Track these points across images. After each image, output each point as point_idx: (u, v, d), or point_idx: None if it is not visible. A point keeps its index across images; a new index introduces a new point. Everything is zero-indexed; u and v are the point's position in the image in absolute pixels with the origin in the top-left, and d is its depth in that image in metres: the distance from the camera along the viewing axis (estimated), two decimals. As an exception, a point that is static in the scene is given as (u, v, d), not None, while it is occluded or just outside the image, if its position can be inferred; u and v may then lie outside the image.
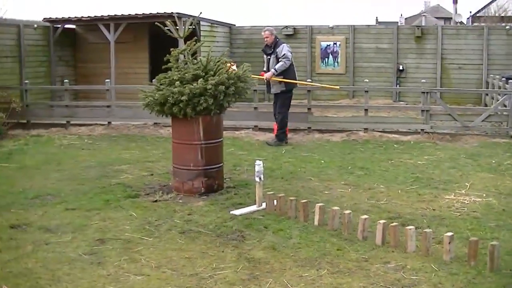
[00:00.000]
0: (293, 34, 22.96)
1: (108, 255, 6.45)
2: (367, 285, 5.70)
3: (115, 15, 20.00)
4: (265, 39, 13.77)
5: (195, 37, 11.15)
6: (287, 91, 13.71)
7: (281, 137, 13.58)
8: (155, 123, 15.54)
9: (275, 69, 13.41)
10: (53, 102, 18.94)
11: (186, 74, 8.76)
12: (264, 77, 13.60)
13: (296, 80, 14.04)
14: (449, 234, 6.39)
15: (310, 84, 15.71)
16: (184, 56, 9.28)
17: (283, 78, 13.55)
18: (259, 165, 8.18)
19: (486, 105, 19.01)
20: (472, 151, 12.76)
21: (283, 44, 13.73)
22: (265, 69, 13.86)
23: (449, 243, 6.33)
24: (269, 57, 13.72)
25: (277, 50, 13.53)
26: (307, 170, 10.78)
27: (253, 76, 12.54)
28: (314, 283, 5.76)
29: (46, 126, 15.87)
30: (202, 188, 8.82)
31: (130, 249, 6.62)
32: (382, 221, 6.86)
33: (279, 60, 13.46)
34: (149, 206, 8.29)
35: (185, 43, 9.50)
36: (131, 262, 6.24)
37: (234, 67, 10.10)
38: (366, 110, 15.21)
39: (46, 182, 9.84)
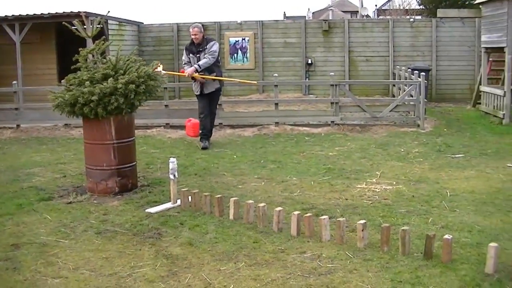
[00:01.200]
0: (201, 31, 22.96)
1: (23, 259, 6.33)
2: (285, 275, 5.80)
3: (19, 15, 19.57)
4: (193, 36, 12.93)
5: (104, 36, 11.08)
6: (220, 89, 13.34)
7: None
8: (65, 124, 15.35)
9: (198, 65, 12.72)
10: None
11: (96, 74, 8.70)
12: (186, 74, 12.90)
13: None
14: (362, 221, 6.56)
15: (230, 80, 15.46)
16: (93, 55, 9.20)
17: (216, 76, 13.01)
18: (173, 163, 8.19)
19: (393, 96, 19.47)
20: (381, 141, 13.08)
21: (215, 42, 13.19)
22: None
23: (362, 230, 6.49)
24: (198, 55, 12.91)
25: (208, 47, 12.84)
26: (220, 165, 10.85)
27: (172, 73, 12.38)
28: (232, 276, 5.82)
29: (-49, 131, 15.46)
30: (116, 188, 8.77)
31: (46, 252, 6.52)
32: (296, 212, 6.97)
33: (205, 56, 12.78)
34: (63, 208, 8.17)
35: (93, 42, 9.42)
36: (48, 265, 6.15)
37: (160, 68, 10.16)
38: (276, 104, 15.37)
39: (-46, 189, 9.59)
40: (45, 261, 6.25)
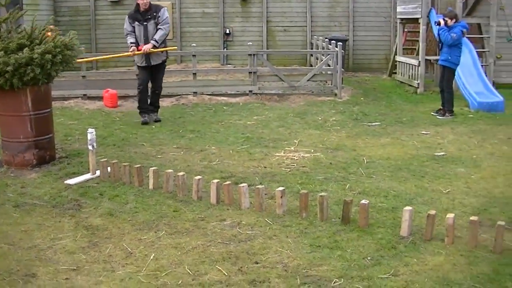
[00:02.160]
0: (118, 0, 22.63)
1: None
2: (205, 243, 5.87)
3: None
4: (141, 2, 11.68)
5: (18, 5, 10.83)
6: (166, 60, 12.36)
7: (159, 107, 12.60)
8: (-21, 97, 14.96)
9: (155, 40, 11.68)
10: None
11: (10, 44, 8.49)
12: (143, 51, 11.71)
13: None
14: (281, 188, 6.67)
15: (158, 51, 14.41)
16: (7, 25, 8.99)
17: (164, 47, 12.15)
18: (91, 133, 8.12)
19: (311, 66, 19.60)
20: (299, 109, 13.23)
21: (165, 8, 12.11)
22: (138, 41, 11.86)
23: (281, 197, 6.60)
24: (145, 23, 11.74)
25: (159, 14, 11.76)
26: (138, 136, 10.81)
27: (129, 53, 11.88)
28: (153, 244, 5.86)
29: None
30: (34, 160, 8.63)
31: (-37, 226, 6.44)
32: (215, 181, 7.04)
33: (158, 27, 11.78)
34: (-21, 182, 8.05)
35: (7, 11, 9.21)
36: (-35, 239, 6.09)
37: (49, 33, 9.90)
38: (194, 74, 15.32)
39: None
40: (-37, 236, 6.17)
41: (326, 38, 18.59)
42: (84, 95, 15.04)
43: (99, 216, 6.67)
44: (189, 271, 5.27)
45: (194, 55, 15.52)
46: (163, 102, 14.29)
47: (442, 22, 12.59)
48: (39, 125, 8.66)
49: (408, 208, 6.04)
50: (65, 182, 7.92)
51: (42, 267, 5.41)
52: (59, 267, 5.41)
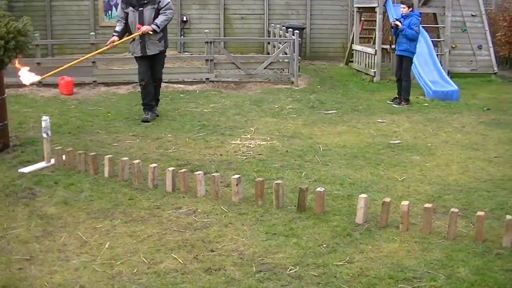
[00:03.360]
0: (73, -14, 22.38)
1: None
2: (161, 231, 5.85)
3: None
4: None
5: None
6: (165, 50, 11.31)
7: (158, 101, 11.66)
8: None
9: (156, 24, 10.65)
10: None
11: (-38, 30, 8.37)
12: (141, 31, 10.66)
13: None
14: (236, 176, 6.66)
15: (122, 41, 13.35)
16: (-42, 10, 8.84)
17: (162, 37, 11.03)
18: (45, 121, 8.02)
19: (268, 54, 19.60)
20: (256, 97, 13.24)
21: None
22: (131, 28, 10.94)
23: (237, 185, 6.60)
24: (140, 9, 10.70)
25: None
26: (94, 123, 10.72)
27: (106, 47, 11.07)
28: (108, 233, 5.82)
29: None
30: (-14, 148, 8.54)
31: None
32: (171, 169, 7.01)
33: (161, 12, 10.78)
34: None
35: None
36: None
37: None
38: (151, 61, 15.21)
39: None
40: None
41: (283, 26, 18.60)
42: (39, 82, 14.84)
43: (54, 205, 6.60)
44: (144, 259, 5.24)
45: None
46: (120, 90, 14.31)
47: (400, 25, 12.68)
48: (-8, 112, 8.54)
49: (363, 195, 6.08)
50: (19, 170, 7.81)
51: (-5, 257, 5.35)
52: (12, 257, 5.33)
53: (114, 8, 22.33)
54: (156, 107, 11.45)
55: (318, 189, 6.25)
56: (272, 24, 20.89)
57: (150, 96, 11.14)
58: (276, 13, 22.06)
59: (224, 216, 6.21)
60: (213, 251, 5.40)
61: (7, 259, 5.28)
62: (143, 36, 10.73)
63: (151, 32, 10.66)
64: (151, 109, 11.14)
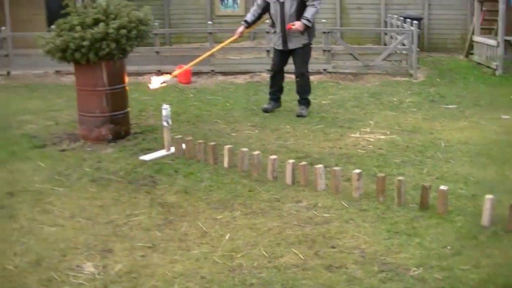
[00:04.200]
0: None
1: (19, 207, 6.31)
2: (281, 224, 5.80)
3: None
4: None
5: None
6: (310, 43, 10.52)
7: (308, 102, 10.76)
8: (56, 71, 15.20)
9: (307, 19, 10.04)
10: None
11: (87, 19, 8.54)
12: (294, 28, 10.10)
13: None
14: (357, 171, 6.54)
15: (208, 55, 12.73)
16: (83, 0, 9.04)
17: (306, 29, 10.22)
18: (166, 109, 8.12)
19: (385, 45, 19.30)
20: (374, 90, 13.03)
21: None
22: (274, 17, 10.35)
23: (358, 180, 6.48)
24: (281, 0, 10.12)
25: None
26: (212, 113, 10.79)
27: (234, 37, 10.63)
28: (228, 224, 5.81)
29: None
30: (110, 135, 8.70)
31: (42, 200, 6.50)
32: (291, 161, 6.95)
33: (308, 3, 10.14)
34: (57, 156, 8.13)
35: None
36: (43, 213, 6.14)
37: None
38: (267, 51, 15.23)
39: None
40: (41, 209, 6.23)
41: (400, 17, 18.26)
42: (158, 70, 15.10)
43: (174, 193, 6.66)
44: (264, 253, 5.21)
45: (267, 32, 15.36)
46: (237, 79, 14.35)
47: None
48: (114, 100, 8.73)
49: (489, 196, 5.83)
50: (140, 158, 7.95)
51: (119, 243, 5.43)
52: (135, 243, 5.41)
53: (230, -3, 22.46)
54: (303, 106, 10.57)
55: (442, 187, 6.06)
56: (389, 15, 20.53)
57: (276, 86, 10.76)
58: (393, 3, 21.64)
59: (345, 212, 6.11)
60: (334, 248, 5.31)
61: (131, 246, 5.36)
62: (284, 28, 10.21)
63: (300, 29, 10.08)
64: (275, 99, 10.80)
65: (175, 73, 10.09)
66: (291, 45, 10.34)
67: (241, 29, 10.60)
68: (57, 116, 10.70)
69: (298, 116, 10.33)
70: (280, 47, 10.45)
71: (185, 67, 10.62)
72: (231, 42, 11.11)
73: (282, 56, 10.60)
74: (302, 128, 9.52)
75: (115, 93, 8.74)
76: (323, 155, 8.06)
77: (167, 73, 12.70)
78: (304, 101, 10.64)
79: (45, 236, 5.59)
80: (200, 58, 10.69)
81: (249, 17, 10.64)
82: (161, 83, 9.26)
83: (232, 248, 5.31)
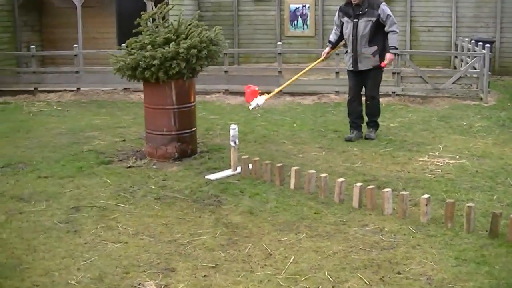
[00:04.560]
0: (261, -3, 22.72)
1: (84, 223, 6.38)
2: (346, 248, 5.70)
3: (80, -22, 19.55)
4: None
5: (165, 0, 10.98)
6: (382, 66, 10.24)
7: (377, 125, 10.58)
8: (125, 88, 15.37)
9: (394, 47, 10.15)
10: (20, 68, 18.43)
11: (158, 38, 8.61)
12: (388, 61, 10.26)
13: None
14: (426, 196, 6.41)
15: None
16: (155, 19, 9.12)
17: (377, 50, 10.12)
18: (234, 129, 8.11)
19: (455, 68, 18.99)
20: (443, 113, 12.80)
21: (383, 3, 10.23)
22: (346, 39, 10.26)
23: (426, 205, 6.34)
24: (355, 20, 10.01)
25: (379, 11, 9.99)
26: (280, 133, 10.74)
27: (321, 59, 10.65)
28: (293, 247, 5.74)
29: (13, 93, 15.58)
30: (176, 153, 8.73)
31: (106, 216, 6.55)
32: (358, 184, 6.85)
33: (388, 26, 10.05)
34: (123, 172, 8.19)
35: (155, 6, 9.33)
36: (107, 229, 6.18)
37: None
38: (337, 72, 15.15)
39: (16, 150, 9.65)
40: (105, 225, 6.27)
41: (471, 40, 17.96)
42: (226, 90, 15.19)
43: (239, 213, 6.62)
44: (329, 277, 5.11)
45: (337, 54, 15.29)
46: (305, 100, 14.30)
47: None
48: (182, 118, 8.76)
49: None
50: (206, 177, 7.94)
51: (182, 262, 5.41)
52: (198, 263, 5.38)
53: (300, 18, 22.46)
54: (372, 129, 10.39)
55: (514, 215, 5.88)
56: (460, 37, 20.21)
57: (356, 114, 10.36)
58: (464, 25, 21.31)
59: (412, 237, 5.97)
60: (400, 274, 5.18)
61: (193, 265, 5.33)
62: (355, 49, 10.08)
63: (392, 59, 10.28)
64: (357, 127, 10.34)
65: (270, 95, 9.92)
66: (361, 66, 10.12)
67: (327, 50, 10.62)
68: (124, 132, 10.82)
69: (366, 138, 10.16)
70: (351, 68, 10.24)
71: (276, 91, 10.48)
72: (319, 63, 11.08)
73: (355, 78, 10.32)
74: (370, 151, 9.39)
75: (183, 111, 8.78)
76: (390, 179, 7.92)
77: (235, 92, 12.71)
78: (373, 124, 10.45)
79: (108, 253, 5.61)
80: (292, 80, 10.85)
81: (332, 37, 10.58)
82: (258, 106, 9.39)
83: (296, 271, 5.23)
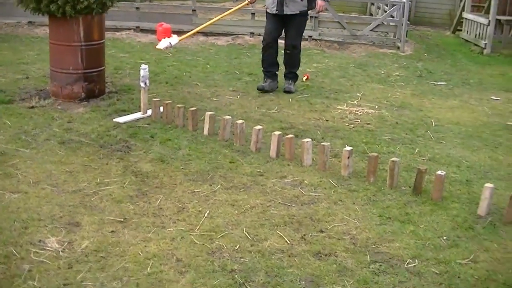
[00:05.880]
0: None
1: (-21, 169, 5.80)
2: (265, 202, 5.36)
3: None
4: None
5: None
6: (307, 12, 9.48)
7: (297, 76, 9.72)
8: (29, 22, 14.49)
9: None
10: None
11: (65, -31, 7.98)
12: (319, 9, 9.49)
13: None
14: (348, 148, 6.13)
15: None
16: None
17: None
18: (144, 70, 7.59)
19: (371, 15, 18.82)
20: (360, 60, 12.57)
21: None
22: None
23: (348, 157, 6.05)
24: None
25: None
26: (192, 74, 10.28)
27: (245, 2, 9.53)
28: (208, 199, 5.36)
29: None
30: (82, 93, 8.15)
31: (5, 162, 5.96)
32: (277, 133, 6.49)
33: None
34: (24, 113, 7.54)
35: None
36: (6, 177, 5.60)
37: None
38: (253, 14, 14.71)
39: None
40: (3, 173, 5.69)
41: (389, -13, 17.73)
42: (137, 27, 14.57)
43: (149, 161, 6.18)
44: (247, 234, 4.76)
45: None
46: (218, 41, 13.88)
47: None
48: (90, 56, 8.17)
49: (489, 185, 5.40)
50: (114, 119, 7.44)
51: (87, 215, 4.94)
52: (105, 217, 4.94)
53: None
54: (291, 81, 9.56)
55: (439, 172, 5.62)
56: (377, -16, 20.00)
57: (270, 60, 9.46)
58: (382, -27, 21.10)
59: (333, 192, 5.67)
60: (322, 232, 4.87)
61: (100, 219, 4.89)
62: None
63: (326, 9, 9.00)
64: (271, 76, 9.51)
65: (186, 35, 9.08)
66: (287, 10, 9.11)
67: None
68: (27, 69, 10.05)
69: (286, 92, 9.34)
70: (274, 11, 9.18)
71: (191, 32, 9.49)
72: (244, 6, 9.96)
73: (276, 23, 9.33)
74: (287, 96, 9.06)
75: (91, 49, 8.18)
76: (308, 127, 7.62)
77: (146, 30, 12.18)
78: (293, 75, 9.58)
79: (5, 204, 5.07)
80: (212, 21, 9.64)
81: None
82: (168, 46, 8.46)
83: (211, 227, 4.85)
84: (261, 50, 9.61)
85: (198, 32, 13.59)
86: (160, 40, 10.25)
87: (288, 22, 9.25)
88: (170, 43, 8.34)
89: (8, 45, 12.42)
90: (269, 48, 9.41)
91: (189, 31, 11.46)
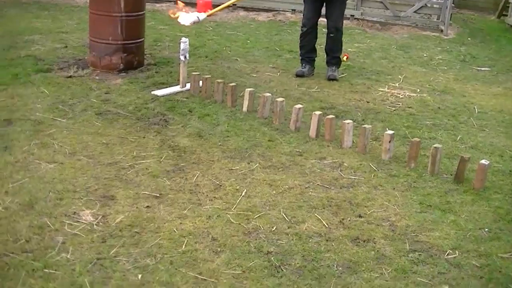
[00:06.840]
0: None
1: (15, 138, 5.72)
2: (303, 183, 5.25)
3: None
4: None
5: None
6: None
7: (340, 62, 9.08)
8: (70, -10, 14.45)
9: None
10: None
11: None
12: None
13: None
14: (390, 132, 5.99)
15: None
16: None
17: None
18: (184, 43, 7.49)
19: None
20: (402, 42, 12.31)
21: None
22: None
23: (390, 141, 5.91)
24: None
25: None
26: (232, 49, 10.15)
27: None
28: (245, 178, 5.26)
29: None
30: (121, 64, 8.07)
31: (41, 131, 5.91)
32: (317, 113, 6.36)
33: None
34: (62, 83, 7.48)
35: None
36: (42, 147, 5.56)
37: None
38: (294, -10, 14.51)
39: None
40: (40, 142, 5.65)
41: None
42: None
43: (187, 136, 6.09)
44: (284, 215, 4.66)
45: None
46: (259, 16, 13.64)
47: None
48: (129, 27, 8.09)
49: (535, 177, 5.27)
50: (152, 92, 7.36)
51: (122, 189, 4.88)
52: (140, 191, 4.87)
53: None
54: (334, 66, 8.93)
55: (482, 161, 5.46)
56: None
57: (309, 47, 8.94)
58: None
59: (373, 176, 5.54)
60: (361, 217, 4.76)
61: (135, 193, 4.83)
62: None
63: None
64: (310, 62, 8.97)
65: (214, 11, 8.64)
66: None
67: None
68: (66, 38, 9.97)
69: (330, 79, 8.71)
70: None
71: (221, 6, 9.00)
72: None
73: (316, 6, 8.77)
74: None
75: (131, 20, 8.10)
76: (349, 108, 7.47)
77: (186, 1, 11.92)
78: (336, 61, 8.94)
79: (41, 174, 5.03)
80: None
81: None
82: (194, 22, 8.04)
83: (248, 207, 4.76)
84: (299, 36, 9.15)
85: (238, 7, 13.54)
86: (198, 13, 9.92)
87: (329, 2, 8.74)
88: (198, 17, 8.06)
89: (48, 13, 12.36)
90: (308, 34, 8.92)
91: (230, 6, 11.27)
